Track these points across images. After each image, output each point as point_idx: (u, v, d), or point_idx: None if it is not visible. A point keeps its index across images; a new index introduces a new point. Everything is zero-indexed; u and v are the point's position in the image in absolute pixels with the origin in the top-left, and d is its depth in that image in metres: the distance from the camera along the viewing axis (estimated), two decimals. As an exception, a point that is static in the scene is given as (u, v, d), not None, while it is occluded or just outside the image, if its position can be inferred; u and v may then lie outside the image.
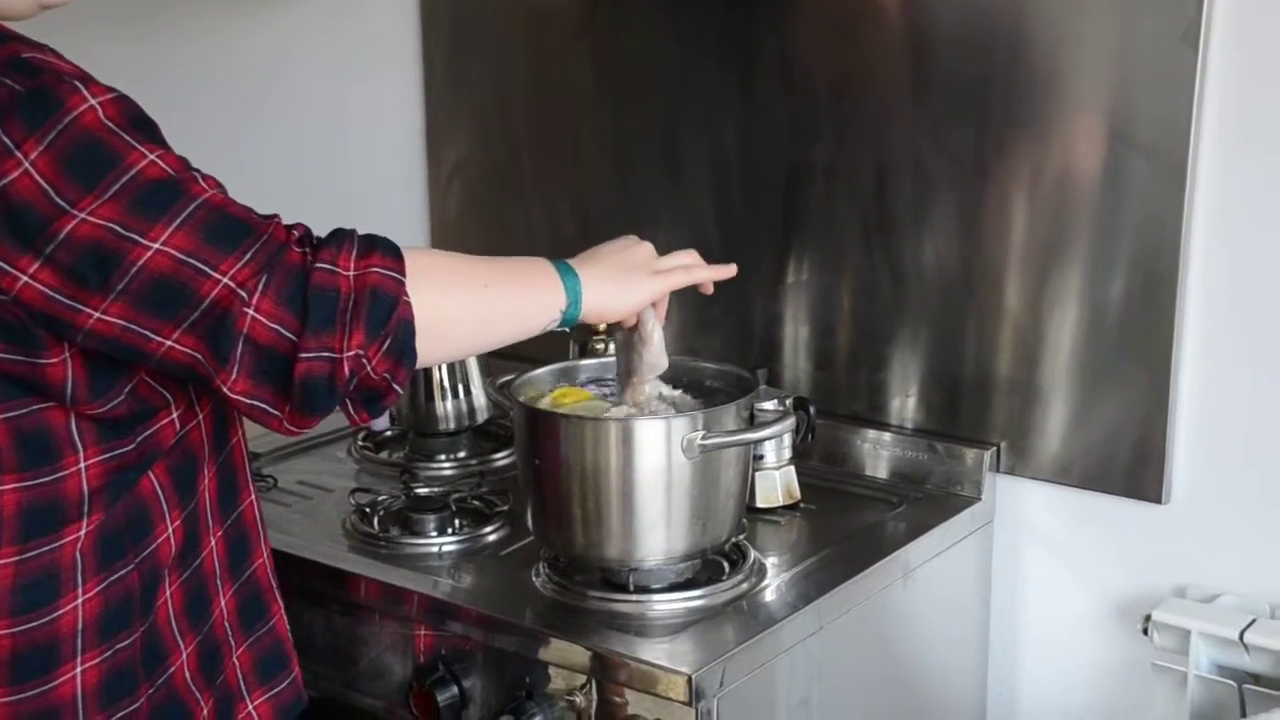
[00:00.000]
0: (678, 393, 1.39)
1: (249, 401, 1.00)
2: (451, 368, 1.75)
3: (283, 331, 0.98)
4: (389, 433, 1.82)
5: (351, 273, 1.01)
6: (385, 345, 1.01)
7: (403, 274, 1.03)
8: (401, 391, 1.05)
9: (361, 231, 1.06)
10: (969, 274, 1.58)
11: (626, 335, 1.31)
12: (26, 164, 0.93)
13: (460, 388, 1.76)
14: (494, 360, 1.79)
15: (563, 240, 1.87)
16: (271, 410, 1.01)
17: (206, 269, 0.96)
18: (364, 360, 1.01)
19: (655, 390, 1.36)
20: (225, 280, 0.96)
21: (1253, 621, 1.44)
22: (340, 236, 1.03)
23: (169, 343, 0.98)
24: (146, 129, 0.98)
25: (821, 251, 1.68)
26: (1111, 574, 1.59)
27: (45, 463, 1.02)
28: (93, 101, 0.95)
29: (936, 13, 1.55)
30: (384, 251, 1.03)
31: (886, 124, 1.60)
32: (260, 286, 0.97)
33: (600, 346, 1.65)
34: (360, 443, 1.81)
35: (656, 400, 1.36)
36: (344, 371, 1.00)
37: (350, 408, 1.05)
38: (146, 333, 0.97)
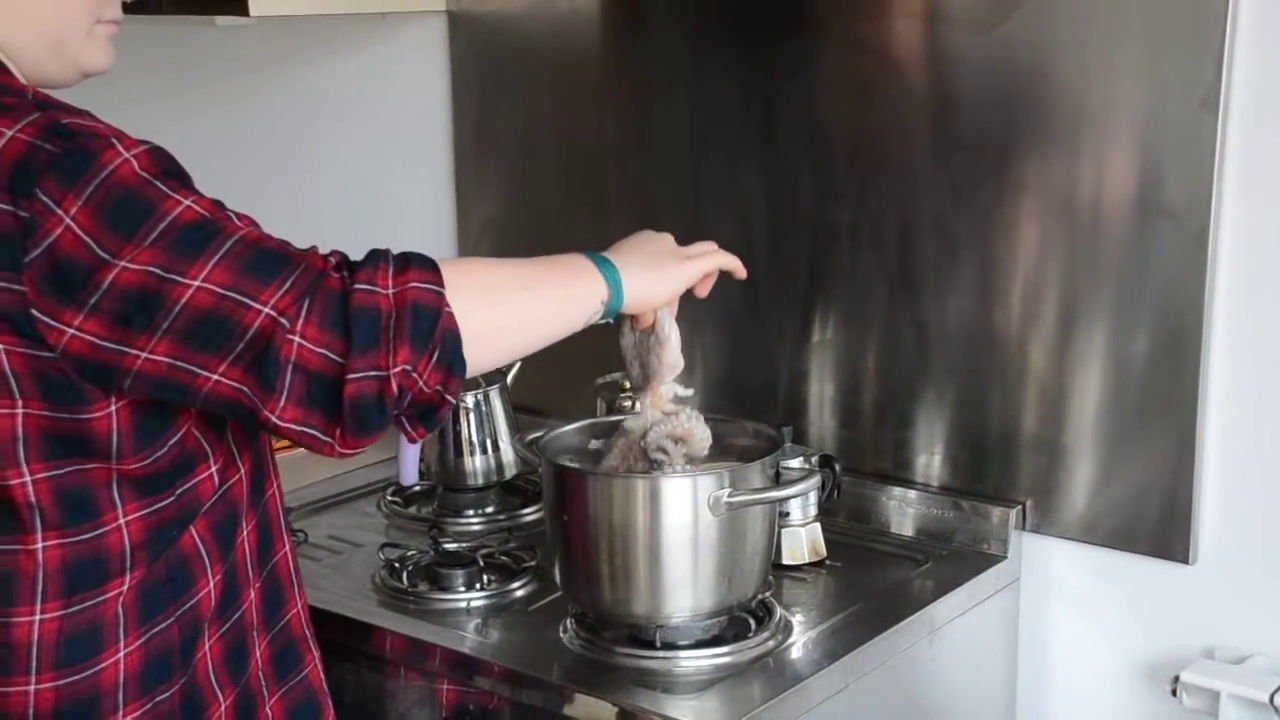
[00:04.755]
0: (690, 391, 1.36)
1: (299, 429, 1.00)
2: (480, 424, 1.77)
3: (329, 355, 0.99)
4: (418, 488, 1.83)
5: (391, 290, 1.01)
6: (434, 358, 1.02)
7: (441, 285, 1.03)
8: (454, 402, 1.05)
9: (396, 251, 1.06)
10: (993, 332, 1.59)
11: (640, 338, 1.30)
12: (68, 220, 0.96)
13: (489, 444, 1.77)
14: (522, 417, 1.81)
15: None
16: (323, 436, 1.01)
17: (248, 300, 0.98)
18: (413, 375, 1.01)
19: (671, 392, 1.33)
20: (267, 310, 0.98)
21: (1282, 683, 1.43)
22: (375, 256, 1.04)
23: (215, 377, 0.99)
24: (180, 178, 1.01)
25: (846, 310, 1.70)
26: (1139, 634, 1.58)
27: (86, 519, 1.03)
28: (127, 155, 0.98)
29: (957, 74, 1.57)
30: (420, 266, 1.04)
31: (909, 183, 1.62)
32: (303, 313, 0.98)
33: (628, 405, 1.67)
34: (389, 498, 1.82)
35: (674, 403, 1.33)
36: (392, 389, 1.00)
37: (406, 424, 1.05)
38: (193, 368, 0.99)
